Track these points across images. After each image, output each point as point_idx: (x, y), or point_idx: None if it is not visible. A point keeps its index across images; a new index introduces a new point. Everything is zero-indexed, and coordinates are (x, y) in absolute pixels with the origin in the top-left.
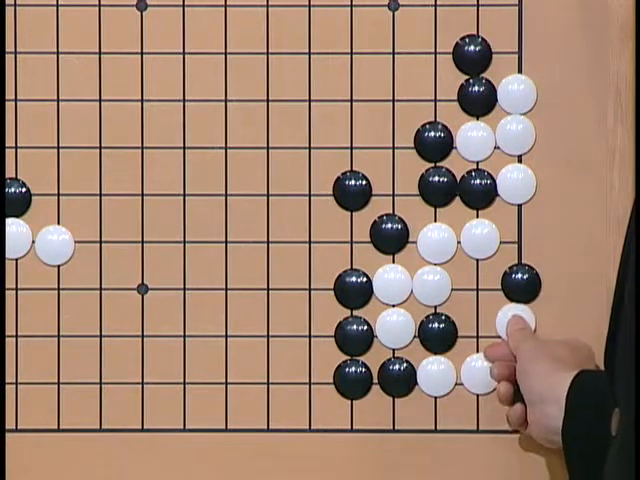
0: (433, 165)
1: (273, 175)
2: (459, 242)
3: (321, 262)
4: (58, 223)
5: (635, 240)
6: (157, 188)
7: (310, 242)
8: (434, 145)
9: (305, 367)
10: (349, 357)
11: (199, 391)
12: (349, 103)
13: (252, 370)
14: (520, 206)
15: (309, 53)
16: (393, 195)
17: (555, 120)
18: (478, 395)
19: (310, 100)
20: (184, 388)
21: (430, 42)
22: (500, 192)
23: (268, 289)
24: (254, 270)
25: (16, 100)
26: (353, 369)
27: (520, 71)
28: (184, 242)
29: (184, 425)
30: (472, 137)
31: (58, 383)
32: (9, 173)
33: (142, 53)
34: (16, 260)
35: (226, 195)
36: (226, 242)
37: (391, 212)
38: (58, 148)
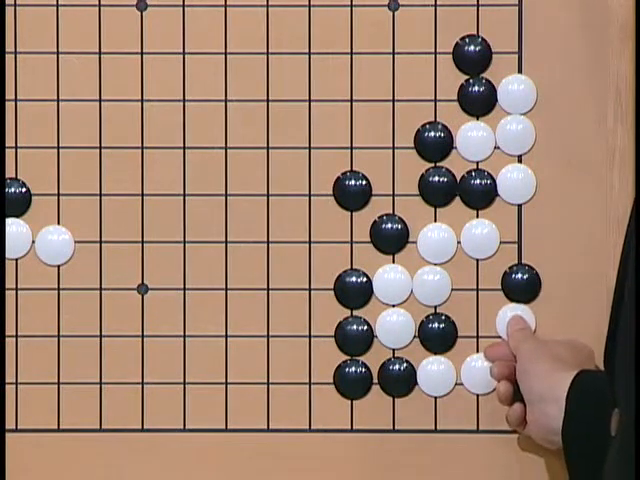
0: (433, 165)
1: (273, 175)
2: (459, 242)
3: (321, 262)
4: (58, 223)
5: (635, 239)
6: (157, 188)
7: (310, 242)
8: (434, 145)
9: (305, 367)
10: (349, 357)
11: (199, 391)
12: (349, 103)
13: (252, 370)
14: (520, 206)
15: (309, 53)
16: (393, 195)
17: (555, 120)
18: (478, 395)
19: (310, 100)
20: (184, 388)
21: (430, 42)
22: (500, 192)
23: (268, 289)
24: (254, 270)
25: (16, 100)
26: (353, 369)
27: (520, 71)
28: (184, 242)
29: (184, 425)
30: (472, 137)
31: (58, 383)
32: (9, 173)
33: (142, 53)
34: (16, 260)
35: (226, 195)
36: (226, 242)
37: (391, 212)
38: (58, 148)
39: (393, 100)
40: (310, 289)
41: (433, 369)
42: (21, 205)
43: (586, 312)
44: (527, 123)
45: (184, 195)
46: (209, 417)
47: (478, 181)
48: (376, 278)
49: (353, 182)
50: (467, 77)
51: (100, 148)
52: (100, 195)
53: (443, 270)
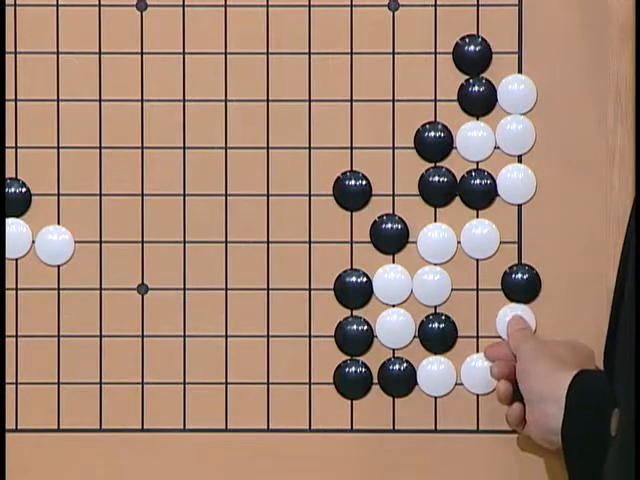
0: (433, 165)
1: (273, 175)
2: (459, 242)
3: (321, 262)
4: (58, 223)
5: (635, 239)
6: (157, 188)
7: (310, 242)
8: (434, 145)
9: (305, 367)
10: (349, 357)
11: (199, 391)
12: (349, 103)
13: (252, 370)
14: (520, 206)
15: (309, 53)
16: (393, 195)
17: (555, 120)
18: (478, 395)
19: (310, 100)
20: (184, 388)
21: (430, 42)
22: (500, 192)
23: (268, 289)
24: (254, 270)
25: (16, 100)
26: (353, 369)
27: (520, 71)
28: (184, 242)
29: (184, 425)
30: (472, 137)
31: (58, 383)
32: (9, 173)
33: (142, 53)
34: (16, 260)
35: (226, 195)
36: (226, 242)
37: (391, 212)
38: (58, 148)
39: (393, 100)
40: (310, 289)
41: (433, 369)
42: (21, 205)
43: (586, 312)
44: (527, 123)
45: (184, 195)
46: (209, 417)
47: (478, 181)
48: (376, 278)
49: (353, 182)
50: (467, 77)
51: (100, 148)
52: (100, 195)
53: (443, 270)
